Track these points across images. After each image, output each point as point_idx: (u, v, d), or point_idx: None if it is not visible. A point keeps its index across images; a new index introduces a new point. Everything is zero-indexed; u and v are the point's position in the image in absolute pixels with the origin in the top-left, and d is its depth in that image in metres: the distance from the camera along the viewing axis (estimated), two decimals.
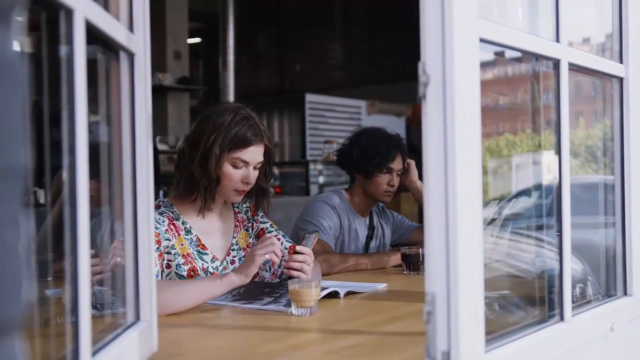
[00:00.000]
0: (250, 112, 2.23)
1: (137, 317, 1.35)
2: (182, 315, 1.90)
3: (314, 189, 7.44)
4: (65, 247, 1.01)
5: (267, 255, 1.97)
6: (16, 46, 0.58)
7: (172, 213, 2.22)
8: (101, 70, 1.30)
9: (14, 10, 0.57)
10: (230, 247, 2.32)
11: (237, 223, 2.38)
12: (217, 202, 2.28)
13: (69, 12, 0.97)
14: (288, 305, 1.89)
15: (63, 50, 0.99)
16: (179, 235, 2.18)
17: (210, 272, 2.21)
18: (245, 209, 2.42)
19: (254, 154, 2.20)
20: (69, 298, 1.00)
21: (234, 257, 2.31)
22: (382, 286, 2.34)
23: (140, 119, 1.35)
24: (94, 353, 1.07)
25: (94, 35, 1.09)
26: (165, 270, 2.12)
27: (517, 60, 1.71)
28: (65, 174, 1.00)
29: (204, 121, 2.21)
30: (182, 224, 2.22)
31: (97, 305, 1.31)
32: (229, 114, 2.18)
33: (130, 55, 1.33)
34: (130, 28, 1.33)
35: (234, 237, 2.34)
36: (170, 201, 2.25)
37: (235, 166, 2.19)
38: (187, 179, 2.20)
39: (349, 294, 2.17)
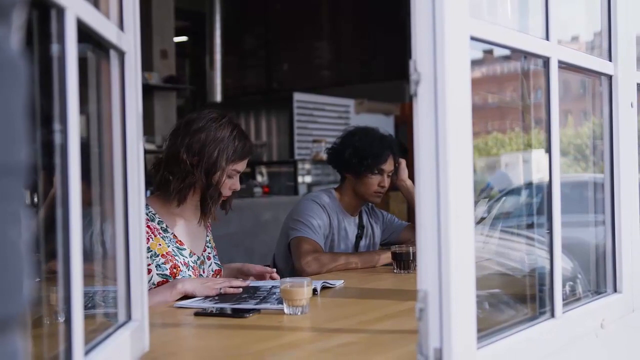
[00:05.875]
0: (238, 123, 2.34)
1: (129, 317, 1.35)
2: (173, 316, 1.89)
3: (302, 189, 7.43)
4: (54, 248, 1.00)
5: (221, 290, 2.11)
6: (16, 45, 0.58)
7: (147, 214, 2.23)
8: (91, 69, 1.29)
9: (14, 9, 0.57)
10: (205, 244, 2.41)
11: (208, 223, 2.46)
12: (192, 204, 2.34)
13: (61, 11, 0.97)
14: (280, 302, 1.89)
15: (54, 48, 0.99)
16: (155, 235, 2.20)
17: (192, 267, 2.27)
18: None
19: (245, 164, 2.33)
20: (60, 298, 0.99)
21: (209, 253, 2.41)
22: (339, 283, 2.36)
23: (130, 118, 1.34)
24: (87, 352, 1.06)
25: (84, 34, 1.09)
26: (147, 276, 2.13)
27: (506, 58, 1.72)
28: (56, 175, 0.99)
29: (198, 132, 2.23)
30: (158, 223, 2.26)
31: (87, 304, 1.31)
32: (225, 127, 2.26)
33: (121, 54, 1.32)
34: (121, 26, 1.32)
35: (207, 236, 2.43)
36: (146, 202, 2.25)
37: (230, 176, 2.28)
38: (188, 188, 2.24)
39: (324, 288, 2.22)
